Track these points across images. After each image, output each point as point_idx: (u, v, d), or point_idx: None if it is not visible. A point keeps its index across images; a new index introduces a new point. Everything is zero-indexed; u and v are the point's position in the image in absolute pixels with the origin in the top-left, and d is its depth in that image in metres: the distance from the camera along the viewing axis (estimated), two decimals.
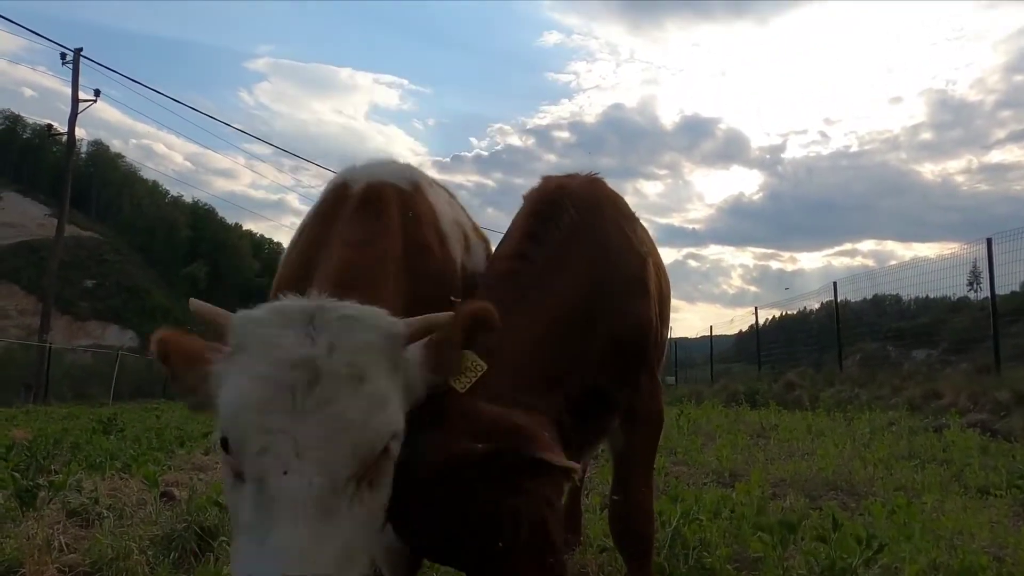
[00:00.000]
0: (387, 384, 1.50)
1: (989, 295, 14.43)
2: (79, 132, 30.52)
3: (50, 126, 33.73)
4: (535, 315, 2.10)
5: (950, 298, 21.44)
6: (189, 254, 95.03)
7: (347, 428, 1.39)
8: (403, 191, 2.32)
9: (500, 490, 1.60)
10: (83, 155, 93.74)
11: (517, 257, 2.25)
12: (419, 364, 1.64)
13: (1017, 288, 17.06)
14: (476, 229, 2.88)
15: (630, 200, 3.37)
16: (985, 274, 14.54)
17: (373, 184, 2.26)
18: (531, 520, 1.66)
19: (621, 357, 2.30)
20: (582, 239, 2.33)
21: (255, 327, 1.49)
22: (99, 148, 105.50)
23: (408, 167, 2.62)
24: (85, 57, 27.82)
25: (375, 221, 2.12)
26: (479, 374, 1.73)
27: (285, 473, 1.33)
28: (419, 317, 1.64)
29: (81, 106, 28.18)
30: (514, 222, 2.59)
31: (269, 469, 1.34)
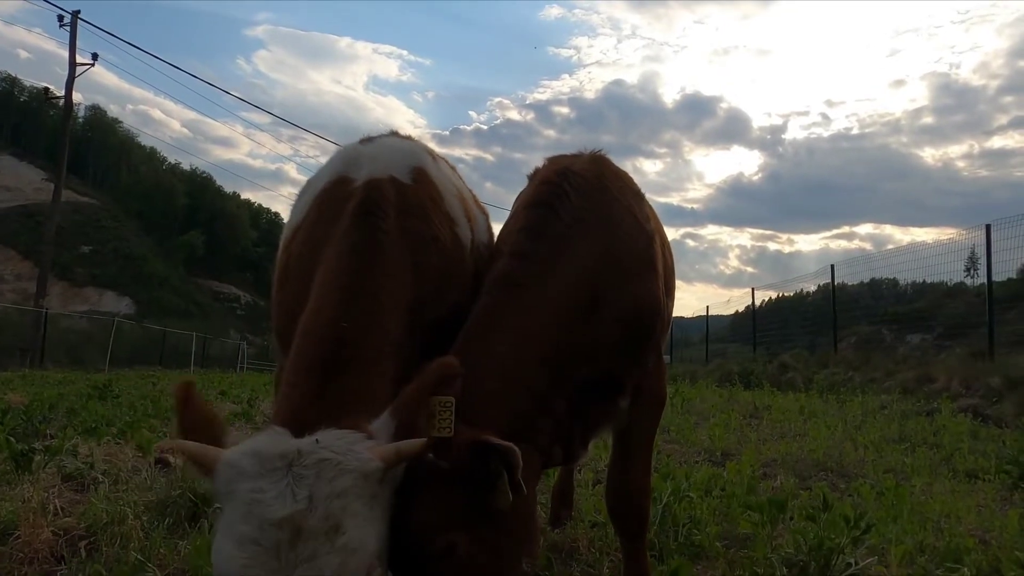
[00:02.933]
0: (362, 526, 1.56)
1: (986, 281, 14.46)
2: (76, 96, 30.25)
3: (47, 89, 33.28)
4: (536, 316, 2.08)
5: (947, 283, 21.46)
6: (187, 222, 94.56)
7: None
8: (403, 185, 2.26)
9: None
10: (80, 120, 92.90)
11: (516, 256, 2.21)
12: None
13: (1014, 275, 17.10)
14: (475, 201, 2.84)
15: None
16: (983, 260, 14.56)
17: (371, 183, 2.19)
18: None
19: (631, 340, 2.29)
20: (587, 226, 2.27)
21: (239, 477, 1.55)
22: (96, 113, 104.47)
23: (411, 146, 2.56)
24: (83, 20, 27.50)
25: (367, 244, 2.05)
26: (452, 409, 1.73)
27: None
28: (391, 447, 1.66)
29: (78, 70, 27.90)
30: (517, 208, 2.54)
31: None
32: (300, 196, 2.52)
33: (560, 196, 2.30)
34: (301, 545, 1.46)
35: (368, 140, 2.66)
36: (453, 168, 2.90)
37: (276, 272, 2.44)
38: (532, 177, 2.65)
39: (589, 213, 2.30)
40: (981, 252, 14.65)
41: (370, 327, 1.90)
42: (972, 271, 18.24)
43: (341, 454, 1.58)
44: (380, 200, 2.13)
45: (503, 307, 2.11)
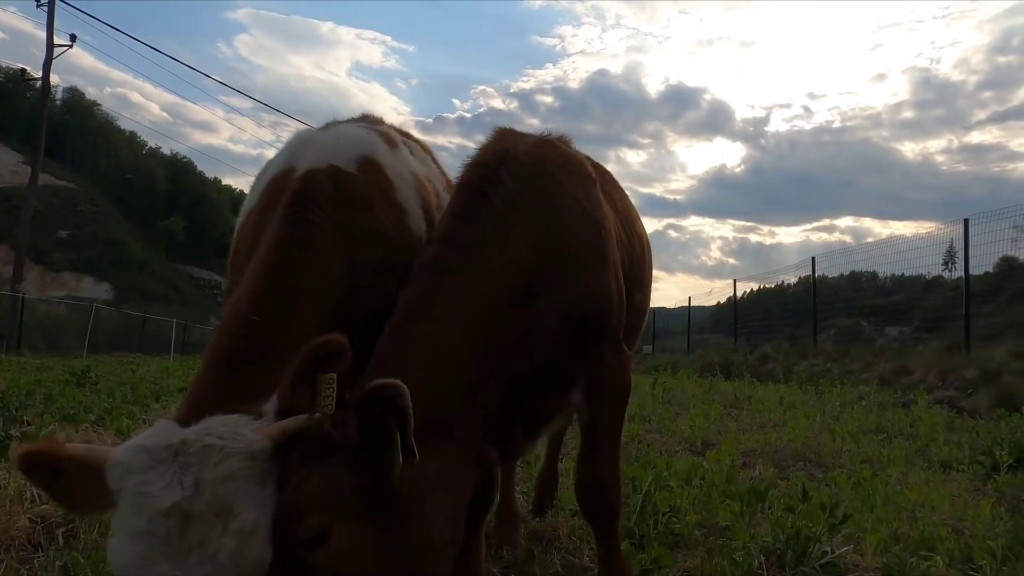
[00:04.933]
0: (259, 506, 1.55)
1: (963, 275, 14.66)
2: (54, 78, 29.77)
3: (23, 71, 32.85)
4: (463, 305, 1.97)
5: (925, 277, 21.79)
6: (167, 207, 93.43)
7: (223, 565, 1.47)
8: (344, 175, 2.22)
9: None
10: (58, 102, 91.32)
11: (443, 242, 2.09)
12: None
13: (990, 269, 17.36)
14: (450, 186, 2.77)
15: (613, 168, 3.34)
16: (960, 254, 14.76)
17: (309, 175, 2.17)
18: None
19: (576, 333, 2.19)
20: (522, 212, 2.15)
21: (127, 473, 1.53)
22: (74, 95, 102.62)
23: (363, 134, 2.50)
24: (61, 0, 26.99)
25: (296, 235, 2.04)
26: (334, 386, 1.67)
27: None
28: (276, 426, 1.65)
29: (56, 51, 27.43)
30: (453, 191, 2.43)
31: None
32: (257, 180, 2.49)
33: (493, 180, 2.17)
34: (192, 530, 1.46)
35: (330, 125, 2.64)
36: (429, 153, 2.86)
37: (229, 258, 2.42)
38: (469, 160, 2.50)
39: (525, 198, 2.18)
40: (959, 246, 14.89)
41: (284, 321, 1.89)
42: (950, 265, 18.50)
43: (225, 438, 1.57)
44: (313, 193, 2.11)
45: (428, 295, 2.00)
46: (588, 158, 2.95)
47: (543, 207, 2.19)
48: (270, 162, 2.49)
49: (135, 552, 1.46)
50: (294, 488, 1.56)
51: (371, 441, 1.56)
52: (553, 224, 2.19)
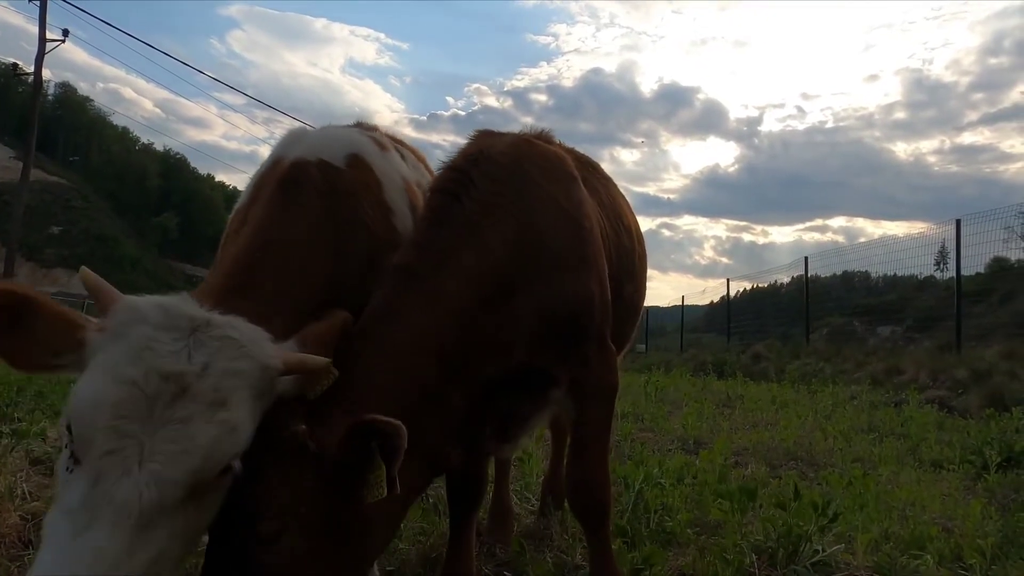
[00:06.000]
0: (245, 412, 1.52)
1: (955, 275, 14.73)
2: (46, 73, 29.56)
3: (15, 65, 32.67)
4: (431, 309, 1.94)
5: (917, 277, 21.87)
6: (160, 204, 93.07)
7: (193, 451, 1.41)
8: (332, 168, 2.22)
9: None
10: (50, 97, 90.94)
11: (413, 246, 2.07)
12: (285, 390, 1.67)
13: (982, 269, 17.45)
14: None
15: (606, 168, 3.33)
16: (952, 255, 14.83)
17: (297, 163, 2.17)
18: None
19: (555, 334, 2.16)
20: (496, 212, 2.11)
21: (138, 321, 1.48)
22: (67, 90, 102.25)
23: (353, 135, 2.51)
24: None
25: (283, 211, 2.04)
26: (331, 380, 1.69)
27: (121, 477, 1.35)
28: (298, 356, 1.66)
29: (48, 46, 27.25)
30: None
31: (108, 471, 1.35)
32: (252, 178, 2.51)
33: (465, 183, 2.14)
34: (180, 405, 1.41)
35: (324, 127, 2.67)
36: (423, 161, 2.87)
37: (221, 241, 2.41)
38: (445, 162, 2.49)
39: (500, 199, 2.13)
40: (951, 247, 14.96)
41: (274, 275, 1.90)
42: (942, 265, 18.60)
43: (247, 340, 1.56)
44: (301, 179, 2.12)
45: (396, 299, 1.97)
46: (573, 151, 2.93)
47: (519, 208, 2.15)
48: (263, 162, 2.50)
49: (113, 395, 1.39)
50: (263, 488, 1.55)
51: (350, 465, 1.57)
52: (529, 225, 2.15)
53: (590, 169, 2.94)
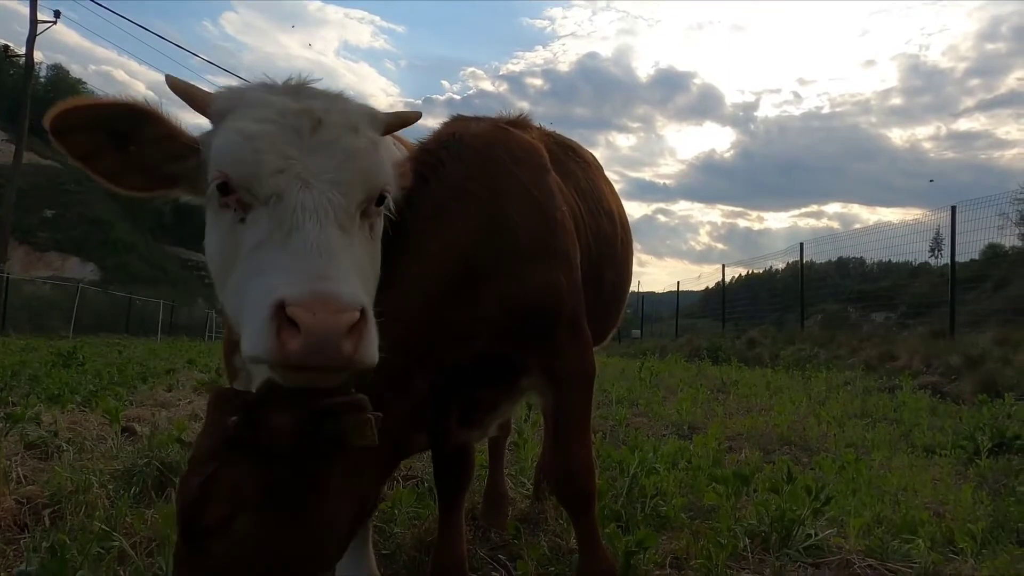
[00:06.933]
0: (380, 140, 1.58)
1: (949, 262, 14.77)
2: (37, 55, 29.29)
3: (7, 47, 32.33)
4: (395, 293, 1.87)
5: (912, 263, 21.97)
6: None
7: (354, 157, 1.47)
8: None
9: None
10: (42, 79, 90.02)
11: None
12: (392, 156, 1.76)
13: (976, 256, 17.53)
14: None
15: (601, 153, 3.31)
16: (947, 241, 14.87)
17: None
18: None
19: (521, 324, 2.12)
20: (464, 197, 2.06)
21: (247, 90, 1.52)
22: (59, 73, 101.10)
23: None
24: None
25: None
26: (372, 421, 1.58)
27: (302, 190, 1.38)
28: (393, 112, 1.74)
29: (40, 27, 27.00)
30: None
31: (288, 187, 1.38)
32: None
33: (434, 165, 2.09)
34: (322, 131, 1.45)
35: None
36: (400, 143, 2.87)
37: None
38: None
39: (469, 183, 2.08)
40: (946, 233, 14.98)
41: None
42: (936, 252, 18.67)
43: (350, 100, 1.62)
44: None
45: None
46: (552, 134, 2.88)
47: (487, 194, 2.10)
48: None
49: (263, 131, 1.41)
50: (205, 478, 1.50)
51: (304, 446, 1.52)
52: (497, 212, 2.10)
53: (569, 152, 2.89)
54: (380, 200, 1.57)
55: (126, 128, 1.52)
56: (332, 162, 1.43)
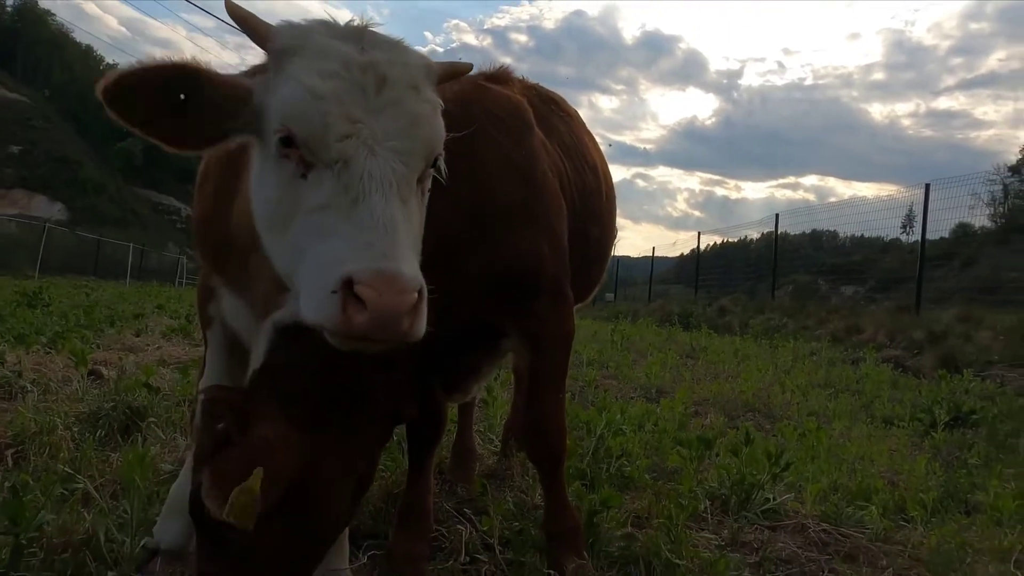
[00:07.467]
0: (436, 99, 1.58)
1: (920, 239, 15.00)
2: None
3: None
4: None
5: (883, 239, 22.27)
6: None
7: (418, 123, 1.47)
8: None
9: None
10: (9, 8, 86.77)
11: None
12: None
13: (946, 234, 17.81)
14: None
15: (584, 114, 3.26)
16: (919, 219, 15.06)
17: None
18: None
19: (503, 291, 2.13)
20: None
21: (307, 33, 1.49)
22: (27, 3, 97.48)
23: None
24: None
25: None
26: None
27: (368, 157, 1.39)
28: (446, 62, 1.74)
29: None
30: None
31: (354, 154, 1.38)
32: None
33: None
34: (387, 90, 1.45)
35: None
36: None
37: (196, 184, 2.32)
38: None
39: (448, 151, 2.00)
40: (918, 210, 15.16)
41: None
42: (908, 228, 18.95)
43: (409, 51, 1.60)
44: None
45: None
46: (536, 87, 2.81)
47: (465, 160, 1.99)
48: None
49: (328, 87, 1.40)
50: (213, 469, 1.50)
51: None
52: (476, 179, 2.04)
53: (552, 105, 2.84)
54: (434, 163, 1.59)
55: (180, 89, 1.49)
56: (397, 125, 1.44)
